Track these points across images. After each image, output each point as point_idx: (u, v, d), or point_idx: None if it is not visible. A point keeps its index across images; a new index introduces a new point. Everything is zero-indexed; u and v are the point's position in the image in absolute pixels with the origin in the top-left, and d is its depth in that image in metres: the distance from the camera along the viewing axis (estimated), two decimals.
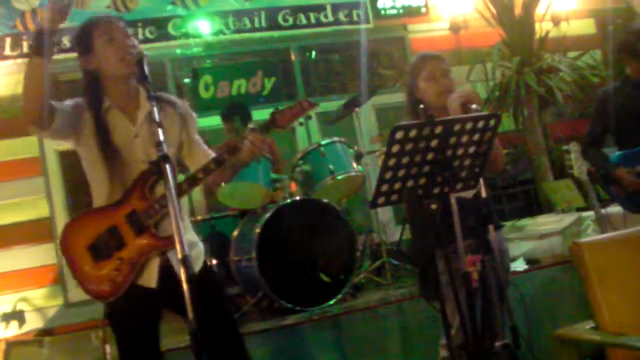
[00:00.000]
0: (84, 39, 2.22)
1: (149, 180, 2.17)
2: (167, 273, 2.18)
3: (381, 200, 2.12)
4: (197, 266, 2.28)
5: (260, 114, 4.74)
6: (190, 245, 2.25)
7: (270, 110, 2.37)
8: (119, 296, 2.16)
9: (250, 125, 2.32)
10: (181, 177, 2.29)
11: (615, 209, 3.86)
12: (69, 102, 2.23)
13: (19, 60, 5.19)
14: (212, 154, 2.30)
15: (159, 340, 2.28)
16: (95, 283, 2.17)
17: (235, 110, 4.82)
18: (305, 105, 2.34)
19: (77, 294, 5.14)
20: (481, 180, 2.26)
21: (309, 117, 4.60)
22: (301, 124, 4.57)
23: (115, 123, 2.22)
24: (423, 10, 6.39)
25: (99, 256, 2.17)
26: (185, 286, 1.72)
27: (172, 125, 2.28)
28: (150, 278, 2.18)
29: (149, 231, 2.15)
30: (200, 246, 2.38)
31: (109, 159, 2.17)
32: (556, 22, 6.46)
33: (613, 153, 3.67)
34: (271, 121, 2.31)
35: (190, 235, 2.34)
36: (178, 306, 1.85)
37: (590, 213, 4.08)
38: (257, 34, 5.87)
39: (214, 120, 5.75)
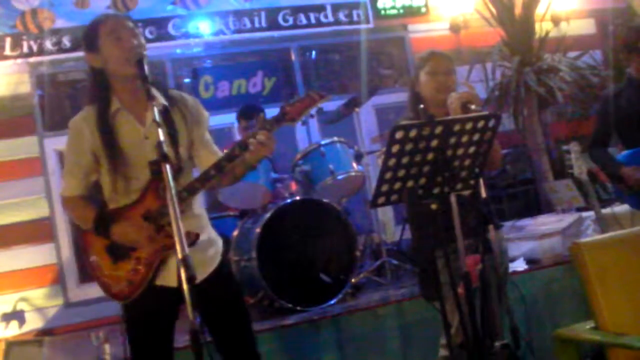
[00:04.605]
0: (91, 36, 2.21)
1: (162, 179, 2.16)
2: None
3: (381, 200, 2.12)
4: (214, 264, 2.30)
5: None
6: (208, 243, 2.30)
7: (271, 110, 2.33)
8: (137, 296, 2.17)
9: (261, 118, 2.22)
10: None
11: (622, 207, 3.86)
12: (73, 147, 2.25)
13: (19, 60, 5.19)
14: (220, 154, 2.28)
15: (172, 340, 2.30)
16: (114, 284, 2.20)
17: (256, 110, 4.76)
18: (315, 96, 2.22)
19: (77, 294, 5.15)
20: (481, 180, 2.26)
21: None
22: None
23: (124, 125, 2.21)
24: (423, 10, 6.38)
25: (117, 257, 2.19)
26: (185, 286, 1.72)
27: (182, 123, 2.26)
28: (170, 277, 2.17)
29: (164, 230, 2.15)
30: (219, 243, 2.39)
31: (112, 158, 2.17)
32: (556, 22, 6.45)
33: (618, 152, 3.68)
34: (281, 116, 2.19)
35: (209, 233, 2.35)
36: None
37: (590, 213, 4.08)
38: (257, 34, 5.86)
39: (214, 120, 5.73)
